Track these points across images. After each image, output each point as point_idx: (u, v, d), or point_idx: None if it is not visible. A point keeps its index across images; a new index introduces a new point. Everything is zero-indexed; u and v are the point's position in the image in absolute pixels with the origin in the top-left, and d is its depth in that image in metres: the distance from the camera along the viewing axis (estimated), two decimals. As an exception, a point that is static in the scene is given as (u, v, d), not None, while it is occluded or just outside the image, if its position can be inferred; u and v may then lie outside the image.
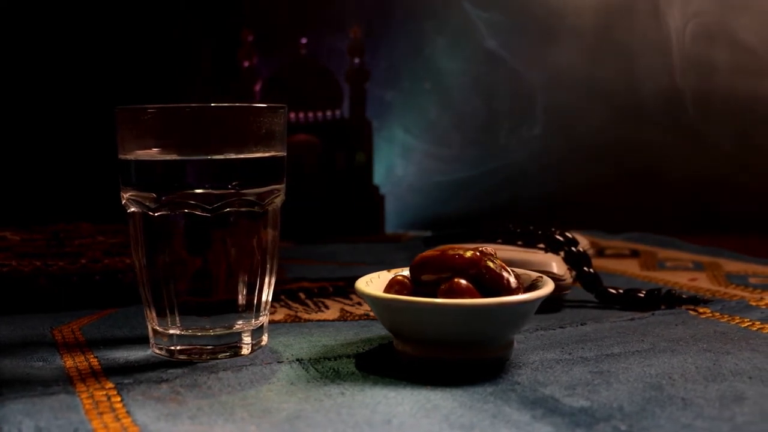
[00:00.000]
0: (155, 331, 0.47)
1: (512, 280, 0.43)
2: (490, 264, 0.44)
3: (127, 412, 0.36)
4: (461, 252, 0.44)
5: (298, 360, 0.45)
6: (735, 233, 1.00)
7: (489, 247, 0.47)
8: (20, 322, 0.54)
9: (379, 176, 1.11)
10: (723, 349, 0.46)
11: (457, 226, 0.86)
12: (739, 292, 0.62)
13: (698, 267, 0.74)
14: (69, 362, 0.45)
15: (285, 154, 0.49)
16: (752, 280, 0.67)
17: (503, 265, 0.44)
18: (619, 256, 0.83)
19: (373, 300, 0.43)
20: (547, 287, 0.44)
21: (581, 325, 0.52)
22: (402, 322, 0.43)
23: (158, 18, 1.07)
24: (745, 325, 0.52)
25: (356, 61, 1.00)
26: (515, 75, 1.16)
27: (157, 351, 0.47)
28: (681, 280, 0.68)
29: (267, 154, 0.47)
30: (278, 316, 0.57)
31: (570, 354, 0.45)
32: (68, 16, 1.04)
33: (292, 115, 1.00)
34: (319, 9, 1.10)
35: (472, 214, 1.11)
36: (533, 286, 0.46)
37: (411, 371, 0.42)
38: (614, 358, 0.44)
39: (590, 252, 0.71)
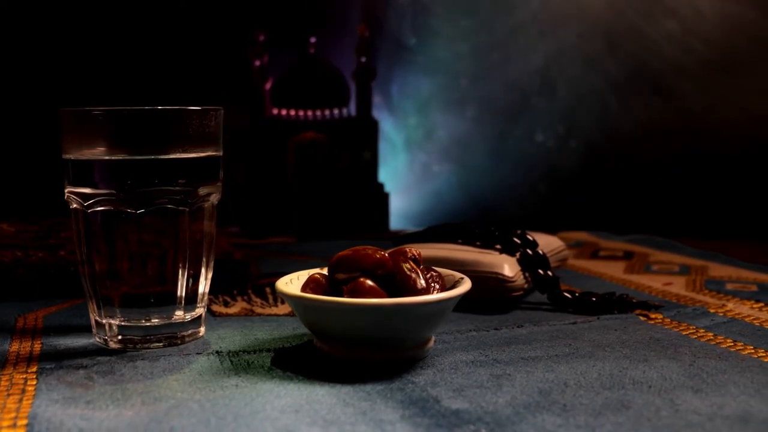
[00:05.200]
0: (96, 322, 0.50)
1: (421, 281, 0.44)
2: (403, 265, 0.45)
3: (34, 395, 0.39)
4: (371, 252, 0.44)
5: (217, 352, 0.46)
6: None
7: (414, 249, 0.48)
8: (-6, 308, 0.58)
9: (386, 174, 1.12)
10: (642, 357, 0.45)
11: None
12: (706, 298, 0.60)
13: (684, 271, 0.72)
14: (15, 347, 0.48)
15: (221, 154, 0.50)
16: (729, 286, 0.65)
17: (414, 266, 0.45)
18: (611, 258, 0.81)
19: (283, 296, 0.45)
20: (458, 289, 0.44)
21: (518, 327, 0.52)
22: (309, 320, 0.44)
23: (164, 17, 1.11)
24: (688, 332, 0.50)
25: (362, 59, 1.02)
26: (535, 79, 1.15)
27: (98, 340, 0.49)
28: (655, 284, 0.66)
29: (202, 154, 0.49)
30: (234, 309, 0.59)
31: (486, 356, 0.45)
32: (89, 23, 1.10)
33: (301, 113, 1.03)
34: (327, 8, 1.12)
35: (480, 214, 1.10)
36: (453, 287, 0.46)
37: (322, 368, 0.43)
38: (525, 362, 0.44)
39: (565, 254, 0.70)
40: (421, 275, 0.44)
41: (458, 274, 0.48)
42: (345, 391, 0.39)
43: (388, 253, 0.46)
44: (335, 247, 0.92)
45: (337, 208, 1.02)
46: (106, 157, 0.47)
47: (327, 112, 1.03)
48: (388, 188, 1.13)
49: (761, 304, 0.57)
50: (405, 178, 1.16)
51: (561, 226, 1.01)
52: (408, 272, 0.44)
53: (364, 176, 1.03)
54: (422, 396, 0.39)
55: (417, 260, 0.47)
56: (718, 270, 0.72)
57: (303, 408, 0.37)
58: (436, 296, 0.42)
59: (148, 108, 0.47)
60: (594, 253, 0.83)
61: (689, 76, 1.03)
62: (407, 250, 0.47)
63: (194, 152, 0.48)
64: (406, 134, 1.16)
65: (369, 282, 0.43)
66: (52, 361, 0.45)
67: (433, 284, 0.46)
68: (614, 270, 0.74)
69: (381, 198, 1.03)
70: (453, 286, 0.46)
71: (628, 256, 0.81)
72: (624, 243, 0.90)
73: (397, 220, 1.16)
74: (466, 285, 0.45)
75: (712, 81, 1.03)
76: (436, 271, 0.47)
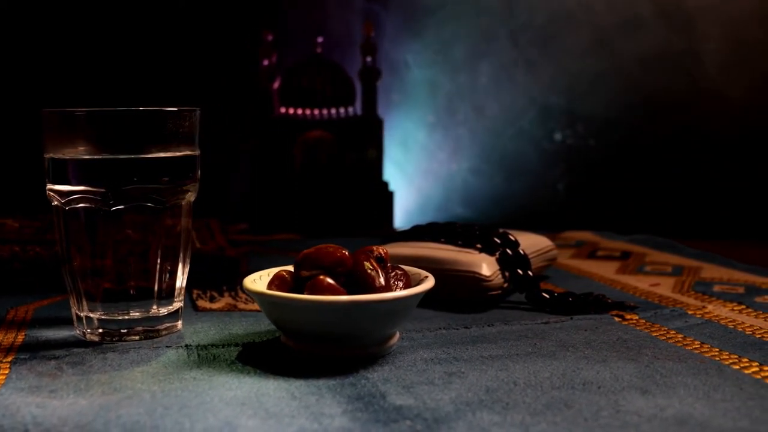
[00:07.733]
0: (77, 316, 0.51)
1: (380, 279, 0.45)
2: (365, 263, 0.45)
3: (3, 383, 0.41)
4: (332, 250, 0.45)
5: (187, 346, 0.48)
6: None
7: (381, 248, 0.49)
8: (-11, 301, 0.61)
9: (390, 173, 1.12)
10: (602, 357, 0.45)
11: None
12: (689, 300, 0.60)
13: (676, 272, 0.71)
14: (-1, 338, 0.50)
15: (197, 153, 0.52)
16: (716, 288, 0.64)
17: (376, 265, 0.46)
18: (608, 258, 0.80)
19: (248, 293, 0.46)
20: (416, 288, 0.45)
21: (488, 326, 0.52)
22: (272, 316, 0.46)
23: (166, 17, 1.13)
24: (658, 333, 0.50)
25: (368, 59, 1.03)
26: (543, 78, 1.14)
27: (78, 333, 0.51)
28: (642, 285, 0.66)
29: (178, 154, 0.50)
30: (218, 305, 0.60)
31: (447, 354, 0.46)
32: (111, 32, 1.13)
33: (308, 111, 1.04)
34: (333, 7, 1.13)
35: (484, 214, 1.10)
36: (417, 285, 0.47)
37: (282, 363, 0.44)
38: (483, 361, 0.44)
39: (553, 254, 0.70)
40: (381, 273, 0.45)
41: (424, 273, 0.49)
42: (296, 386, 0.40)
43: (354, 252, 0.47)
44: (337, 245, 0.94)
45: (342, 206, 1.04)
46: (84, 156, 0.49)
47: (333, 111, 1.05)
48: (399, 185, 1.14)
49: (743, 306, 0.57)
50: (418, 175, 1.17)
51: (567, 225, 1.00)
52: (368, 270, 0.45)
53: (369, 174, 1.04)
54: (371, 392, 0.39)
55: (382, 259, 0.47)
56: (710, 271, 0.71)
57: (250, 401, 0.38)
58: (391, 294, 0.43)
59: (124, 109, 0.48)
60: (591, 253, 0.83)
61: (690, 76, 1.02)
62: (373, 248, 0.48)
63: (170, 151, 0.50)
64: (421, 131, 1.17)
65: (328, 279, 0.44)
66: (29, 351, 0.47)
67: (396, 282, 0.46)
68: (606, 270, 0.73)
69: (385, 196, 1.04)
70: (417, 285, 0.47)
71: (624, 256, 0.80)
72: (624, 243, 0.89)
73: (408, 218, 1.17)
74: (427, 283, 0.46)
75: (713, 79, 1.01)
76: (401, 270, 0.48)
